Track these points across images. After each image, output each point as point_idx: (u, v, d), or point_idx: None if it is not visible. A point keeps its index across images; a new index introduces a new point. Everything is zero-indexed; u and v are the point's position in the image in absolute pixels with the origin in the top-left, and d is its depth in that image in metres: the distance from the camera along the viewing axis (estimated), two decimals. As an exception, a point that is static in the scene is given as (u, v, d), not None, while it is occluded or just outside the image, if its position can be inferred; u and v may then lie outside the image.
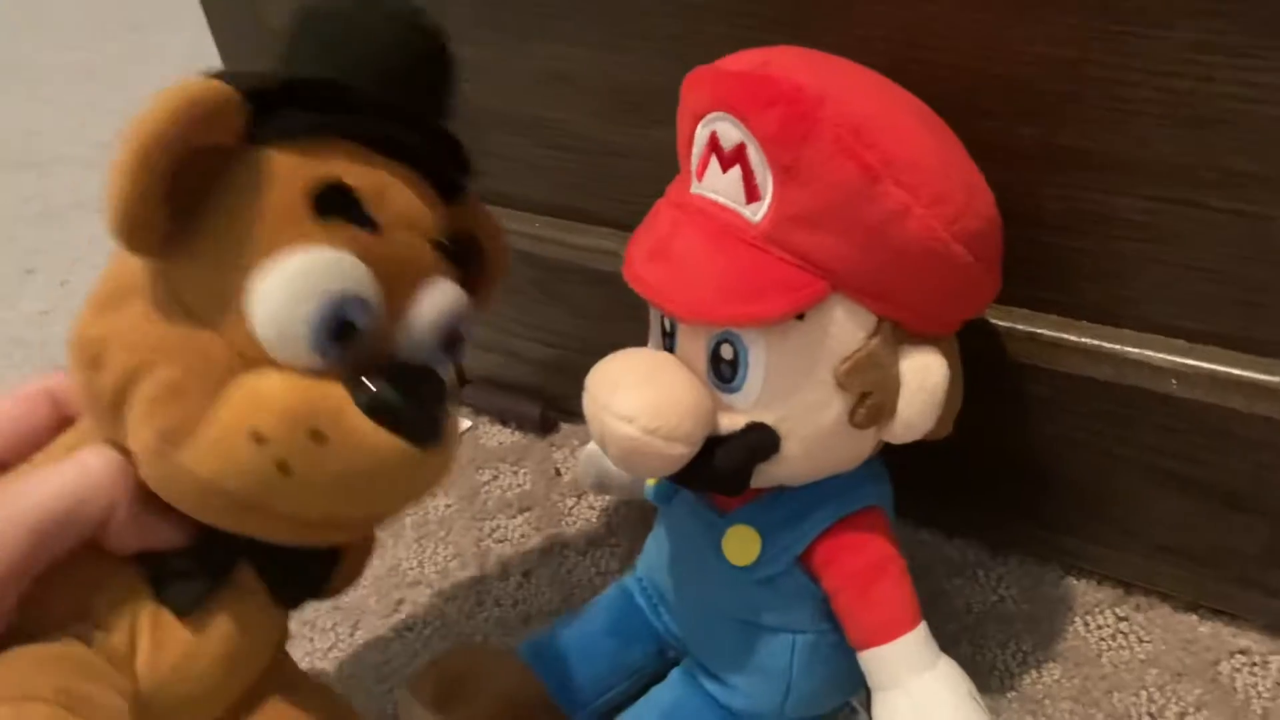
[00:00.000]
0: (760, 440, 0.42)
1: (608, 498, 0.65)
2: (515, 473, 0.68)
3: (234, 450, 0.34)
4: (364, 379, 0.36)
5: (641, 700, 0.50)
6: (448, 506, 0.66)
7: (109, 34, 1.57)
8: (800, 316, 0.40)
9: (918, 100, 0.42)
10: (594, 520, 0.64)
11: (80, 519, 0.36)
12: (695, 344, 0.42)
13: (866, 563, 0.45)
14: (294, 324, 0.35)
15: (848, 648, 0.46)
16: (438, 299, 0.38)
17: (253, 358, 0.35)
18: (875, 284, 0.40)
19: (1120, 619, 0.53)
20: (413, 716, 0.48)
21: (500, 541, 0.63)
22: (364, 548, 0.48)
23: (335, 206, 0.36)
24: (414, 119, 0.39)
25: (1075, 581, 0.55)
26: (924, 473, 0.49)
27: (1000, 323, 0.50)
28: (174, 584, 0.39)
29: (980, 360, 0.46)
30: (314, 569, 0.43)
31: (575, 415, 0.71)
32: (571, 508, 0.65)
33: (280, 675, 0.45)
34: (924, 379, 0.42)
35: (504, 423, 0.72)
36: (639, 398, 0.41)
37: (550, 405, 0.71)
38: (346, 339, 0.35)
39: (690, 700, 0.49)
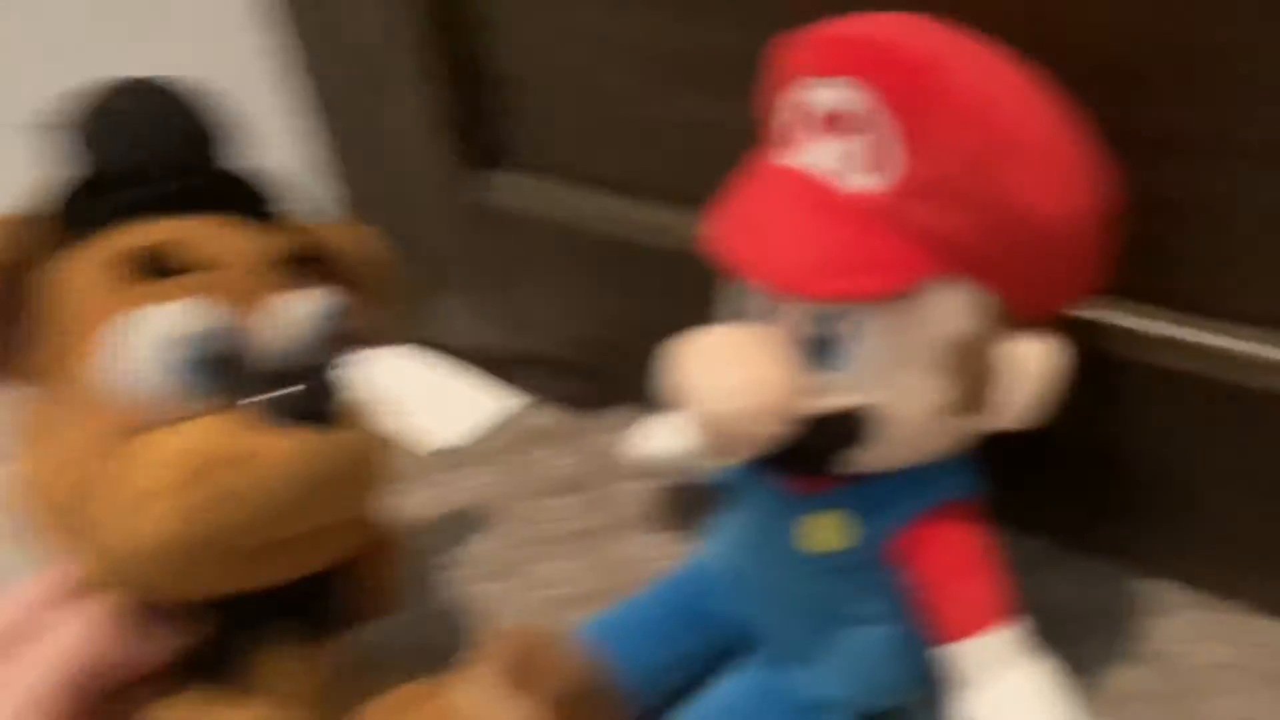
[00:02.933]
0: (856, 423, 0.41)
1: (663, 481, 0.63)
2: (564, 453, 0.66)
3: (158, 509, 0.37)
4: (243, 398, 0.39)
5: (712, 688, 0.48)
6: (489, 485, 0.64)
7: None
8: (908, 295, 0.39)
9: (1038, 76, 0.40)
10: (647, 503, 0.62)
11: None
12: (790, 321, 0.41)
13: (958, 554, 0.43)
14: (156, 377, 0.38)
15: (929, 641, 0.44)
16: (288, 308, 0.41)
17: (141, 425, 0.38)
18: (990, 264, 0.39)
19: (1198, 625, 0.51)
20: (474, 702, 0.46)
21: (549, 522, 0.62)
22: (381, 565, 0.49)
23: (150, 269, 0.39)
24: (202, 177, 0.42)
25: (1151, 584, 0.53)
26: (996, 467, 0.47)
27: (1092, 312, 0.48)
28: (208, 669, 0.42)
29: (1069, 350, 0.44)
30: (325, 602, 0.45)
31: (627, 397, 0.69)
32: (624, 490, 0.63)
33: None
34: (1032, 366, 0.41)
35: (554, 402, 0.70)
36: (730, 376, 0.39)
37: (603, 386, 0.69)
38: (213, 371, 0.39)
39: (762, 688, 0.47)
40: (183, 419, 0.38)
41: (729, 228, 0.41)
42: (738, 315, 0.43)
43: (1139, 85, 0.43)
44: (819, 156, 0.40)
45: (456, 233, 0.67)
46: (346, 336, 0.43)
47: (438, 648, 0.55)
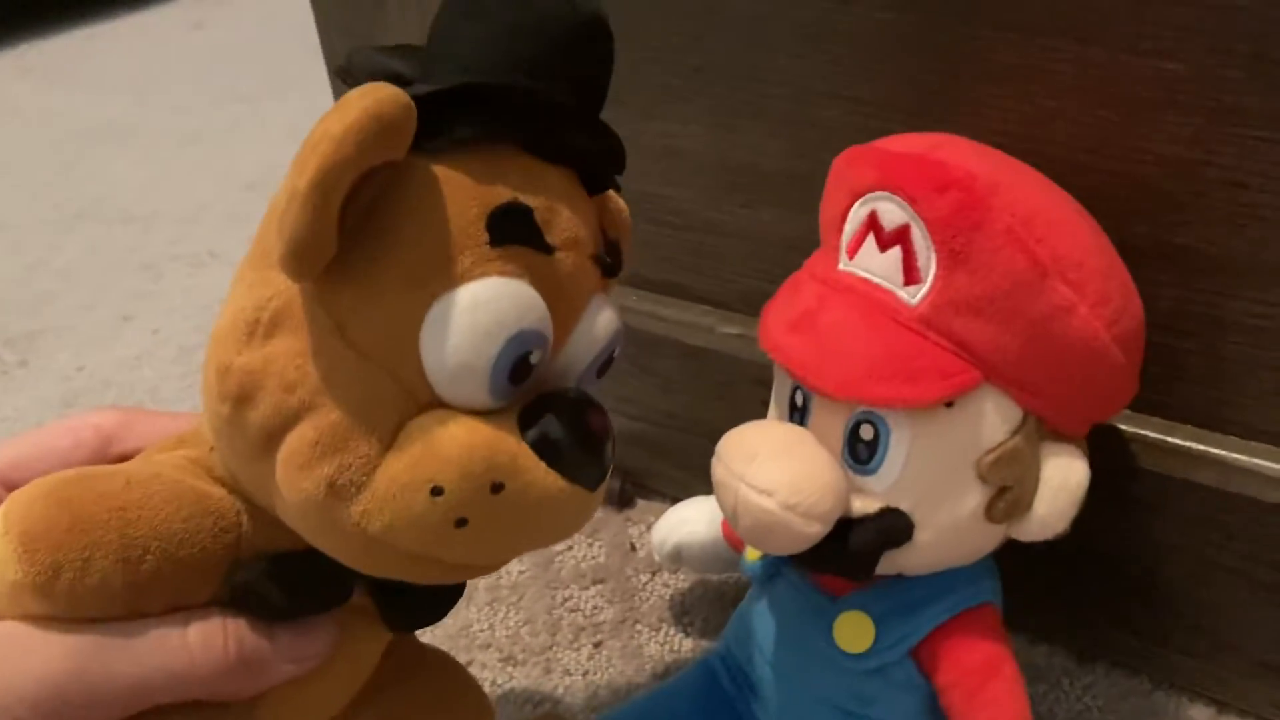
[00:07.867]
0: (893, 525, 0.42)
1: (682, 577, 0.64)
2: (590, 545, 0.67)
3: (410, 506, 0.32)
4: (535, 417, 0.33)
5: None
6: (521, 573, 0.65)
7: (219, 104, 1.65)
8: (949, 404, 0.40)
9: (1073, 198, 0.43)
10: (667, 598, 0.63)
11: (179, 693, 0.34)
12: (832, 421, 0.42)
13: (981, 660, 0.44)
14: (475, 365, 0.32)
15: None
16: (602, 323, 0.36)
17: (423, 399, 0.33)
18: (1028, 378, 0.40)
19: (1217, 740, 0.52)
20: None
21: (572, 611, 0.62)
22: None
23: (513, 230, 0.33)
24: (580, 117, 0.35)
25: (1165, 696, 0.54)
26: (1010, 575, 0.48)
27: (1117, 423, 0.50)
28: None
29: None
30: (439, 602, 0.41)
31: (652, 492, 0.70)
32: (645, 584, 0.64)
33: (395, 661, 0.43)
34: (1065, 477, 0.42)
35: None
36: (779, 471, 0.40)
37: (628, 480, 0.70)
38: (523, 378, 0.33)
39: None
40: (469, 412, 0.33)
41: (778, 325, 0.43)
42: (784, 413, 0.45)
43: (1166, 208, 0.45)
44: (870, 266, 0.42)
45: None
46: (612, 361, 0.38)
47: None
